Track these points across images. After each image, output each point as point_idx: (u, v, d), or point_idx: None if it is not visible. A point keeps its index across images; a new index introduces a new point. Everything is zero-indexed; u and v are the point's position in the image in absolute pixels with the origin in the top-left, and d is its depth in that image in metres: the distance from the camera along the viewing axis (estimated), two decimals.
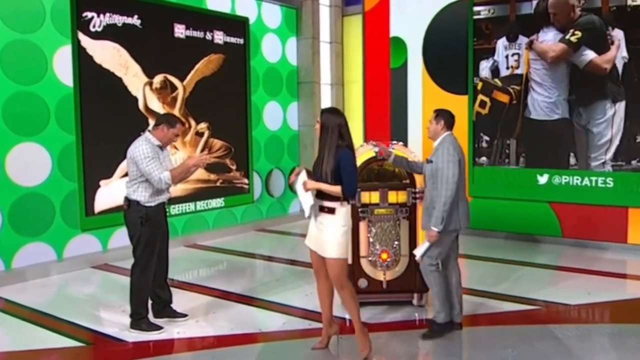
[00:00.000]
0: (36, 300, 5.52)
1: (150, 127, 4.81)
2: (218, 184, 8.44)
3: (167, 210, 7.53)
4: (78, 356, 4.38)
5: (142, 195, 4.51)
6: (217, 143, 8.37)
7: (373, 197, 5.08)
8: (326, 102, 9.87)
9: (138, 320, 4.63)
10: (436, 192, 4.34)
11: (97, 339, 4.58)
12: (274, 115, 9.34)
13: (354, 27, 9.74)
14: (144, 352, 4.36)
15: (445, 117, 4.48)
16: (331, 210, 3.93)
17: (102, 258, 6.85)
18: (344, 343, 4.41)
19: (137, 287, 4.62)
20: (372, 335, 4.45)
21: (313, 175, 4.03)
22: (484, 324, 4.80)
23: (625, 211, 7.12)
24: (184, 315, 4.91)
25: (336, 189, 3.88)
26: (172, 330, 4.70)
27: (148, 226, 4.52)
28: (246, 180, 8.84)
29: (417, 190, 5.06)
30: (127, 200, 4.56)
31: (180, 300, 5.38)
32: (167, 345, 4.47)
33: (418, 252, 4.48)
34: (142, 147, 4.46)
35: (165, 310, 4.89)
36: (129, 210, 4.55)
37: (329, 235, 3.93)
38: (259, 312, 5.16)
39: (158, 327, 4.64)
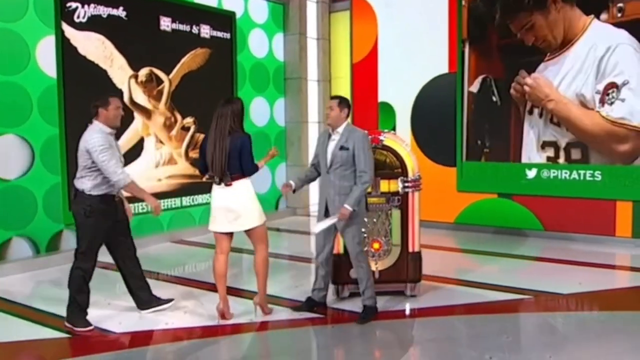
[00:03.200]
0: (18, 294, 5.37)
1: (94, 118, 4.48)
2: (204, 179, 8.29)
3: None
4: (60, 347, 4.23)
5: (87, 185, 4.34)
6: (203, 138, 8.23)
7: None
8: (313, 98, 9.81)
9: (72, 314, 4.44)
10: (345, 178, 4.42)
11: (79, 330, 4.43)
12: (260, 111, 9.25)
13: (341, 23, 9.71)
14: (130, 343, 4.26)
15: (349, 106, 4.57)
16: None
17: None
18: (335, 331, 4.35)
19: (74, 279, 4.44)
20: (363, 325, 4.40)
21: None
22: (477, 313, 4.74)
23: (614, 204, 7.14)
24: (170, 300, 4.80)
25: None
26: (160, 320, 4.59)
27: (93, 217, 4.35)
28: None
29: (409, 178, 5.01)
30: (75, 189, 4.40)
31: (167, 293, 5.28)
32: (155, 336, 4.37)
33: (320, 226, 4.47)
34: (96, 137, 4.28)
35: (151, 300, 4.76)
36: (75, 201, 4.40)
37: None
38: (248, 304, 5.05)
39: (88, 324, 4.42)
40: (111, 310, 4.77)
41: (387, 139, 5.06)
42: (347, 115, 4.53)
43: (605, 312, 4.86)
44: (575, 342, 4.19)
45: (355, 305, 4.84)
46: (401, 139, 5.35)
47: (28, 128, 6.21)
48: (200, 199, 8.24)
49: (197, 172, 8.15)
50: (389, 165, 5.13)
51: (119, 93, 7.12)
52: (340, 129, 4.48)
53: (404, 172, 5.03)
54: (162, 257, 6.91)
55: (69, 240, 6.61)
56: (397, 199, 5.02)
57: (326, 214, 4.53)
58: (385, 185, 5.02)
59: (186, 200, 8.06)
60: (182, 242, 7.72)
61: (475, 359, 3.84)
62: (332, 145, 4.49)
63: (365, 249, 5.04)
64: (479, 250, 7.04)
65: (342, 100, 4.54)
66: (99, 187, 4.36)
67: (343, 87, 9.67)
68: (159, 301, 4.81)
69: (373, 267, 5.02)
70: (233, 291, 5.37)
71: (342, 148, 4.43)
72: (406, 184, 5.01)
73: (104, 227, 4.43)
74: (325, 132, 4.63)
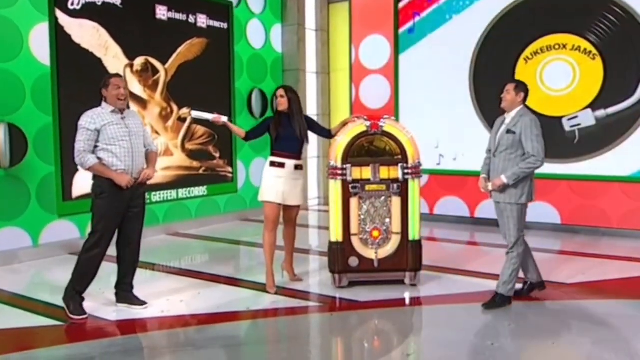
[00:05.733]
0: (11, 284, 5.27)
1: None
2: (201, 171, 8.22)
3: (148, 196, 7.41)
4: (54, 334, 4.13)
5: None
6: (199, 129, 8.15)
7: (364, 172, 4.91)
8: (311, 90, 9.70)
9: (68, 295, 4.35)
10: (511, 162, 4.36)
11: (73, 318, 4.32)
12: (258, 103, 9.13)
13: (340, 15, 9.60)
14: (125, 329, 4.17)
15: (525, 90, 4.49)
16: (301, 167, 5.03)
17: (79, 244, 6.49)
18: (334, 319, 4.25)
19: (80, 262, 4.35)
20: (362, 313, 4.31)
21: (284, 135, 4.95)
22: (479, 301, 4.62)
23: (616, 196, 7.05)
24: (144, 303, 4.55)
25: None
26: (156, 309, 4.48)
27: (101, 199, 4.29)
28: (230, 169, 8.63)
29: (409, 165, 4.91)
30: None
31: (163, 283, 5.21)
32: (149, 323, 4.27)
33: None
34: (84, 116, 4.30)
35: (127, 296, 4.58)
36: (93, 182, 4.35)
37: (303, 186, 5.16)
38: (246, 292, 4.97)
39: (82, 313, 4.30)
40: (107, 300, 4.66)
41: (387, 125, 4.96)
42: (523, 100, 4.46)
43: (607, 301, 4.76)
44: (578, 329, 4.12)
45: (354, 294, 4.75)
46: (401, 125, 5.24)
47: (21, 116, 6.09)
48: (196, 191, 8.13)
49: (193, 164, 8.11)
50: (388, 152, 5.04)
51: None
52: (513, 113, 4.45)
53: (404, 158, 4.93)
54: (158, 249, 6.80)
55: (62, 231, 6.51)
56: (397, 186, 4.92)
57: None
58: (385, 172, 4.91)
59: (182, 193, 7.95)
60: (177, 234, 7.61)
61: (477, 345, 3.75)
62: (502, 129, 4.47)
63: (365, 237, 4.95)
64: (480, 242, 6.95)
65: (518, 85, 4.47)
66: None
67: (342, 80, 9.56)
68: (134, 299, 4.58)
69: (372, 256, 4.93)
70: (231, 281, 5.31)
71: (509, 132, 4.40)
72: (406, 171, 4.91)
73: (113, 210, 4.33)
74: (502, 117, 4.58)
